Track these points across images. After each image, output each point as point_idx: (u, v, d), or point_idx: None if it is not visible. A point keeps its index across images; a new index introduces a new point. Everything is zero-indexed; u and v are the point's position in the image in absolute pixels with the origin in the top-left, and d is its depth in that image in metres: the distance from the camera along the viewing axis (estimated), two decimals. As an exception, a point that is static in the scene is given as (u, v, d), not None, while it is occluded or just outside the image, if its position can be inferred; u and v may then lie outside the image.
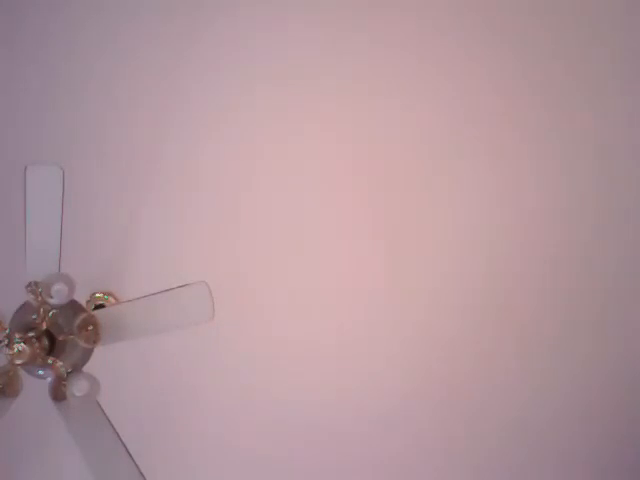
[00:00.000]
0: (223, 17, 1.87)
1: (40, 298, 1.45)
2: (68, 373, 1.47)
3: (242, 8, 1.86)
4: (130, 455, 1.50)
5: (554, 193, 2.07)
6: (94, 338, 1.49)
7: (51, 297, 1.44)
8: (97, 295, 2.08)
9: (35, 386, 1.49)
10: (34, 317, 1.48)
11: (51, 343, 1.47)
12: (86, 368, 1.52)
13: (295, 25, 1.89)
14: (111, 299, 2.09)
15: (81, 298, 1.57)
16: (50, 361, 1.46)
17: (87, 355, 1.53)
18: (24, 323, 1.47)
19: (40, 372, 1.49)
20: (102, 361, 1.56)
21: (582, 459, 2.44)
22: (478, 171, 2.05)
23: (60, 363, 1.47)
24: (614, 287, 2.19)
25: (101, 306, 2.06)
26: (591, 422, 2.38)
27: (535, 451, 2.42)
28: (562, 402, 2.34)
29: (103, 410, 1.51)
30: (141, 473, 1.50)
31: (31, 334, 1.42)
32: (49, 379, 1.50)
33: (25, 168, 1.52)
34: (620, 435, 2.40)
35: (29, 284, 1.45)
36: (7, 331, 1.43)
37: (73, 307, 1.52)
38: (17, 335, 1.40)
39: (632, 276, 2.18)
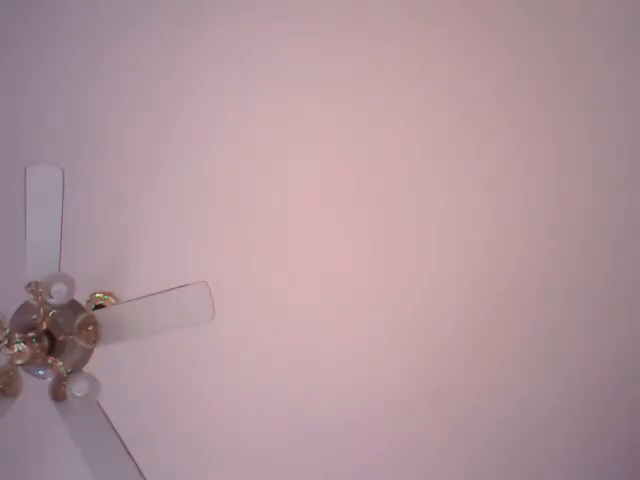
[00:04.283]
0: (223, 17, 1.87)
1: (40, 298, 1.44)
2: (68, 373, 1.47)
3: (242, 9, 1.86)
4: (130, 455, 1.50)
5: (553, 193, 2.08)
6: (94, 338, 1.48)
7: (51, 297, 1.44)
8: (97, 295, 2.08)
9: (35, 386, 1.49)
10: (34, 317, 1.47)
11: (51, 343, 1.47)
12: (86, 368, 1.52)
13: (295, 25, 1.89)
14: (111, 299, 2.08)
15: (81, 298, 1.57)
16: (50, 361, 1.45)
17: (87, 355, 1.53)
18: (24, 323, 1.47)
19: (40, 372, 1.49)
20: (102, 361, 1.56)
21: (581, 459, 2.44)
22: (477, 171, 2.05)
23: (60, 363, 1.46)
24: (614, 287, 2.19)
25: (101, 306, 2.06)
26: (589, 422, 2.38)
27: (533, 451, 2.42)
28: (560, 402, 2.34)
29: (103, 410, 1.51)
30: (141, 473, 1.50)
31: (31, 334, 1.42)
32: (49, 379, 1.49)
33: (25, 168, 1.52)
34: (617, 435, 2.40)
35: (29, 284, 1.44)
36: (7, 331, 1.42)
37: (73, 307, 1.52)
38: (17, 335, 1.40)
39: (632, 275, 2.18)
